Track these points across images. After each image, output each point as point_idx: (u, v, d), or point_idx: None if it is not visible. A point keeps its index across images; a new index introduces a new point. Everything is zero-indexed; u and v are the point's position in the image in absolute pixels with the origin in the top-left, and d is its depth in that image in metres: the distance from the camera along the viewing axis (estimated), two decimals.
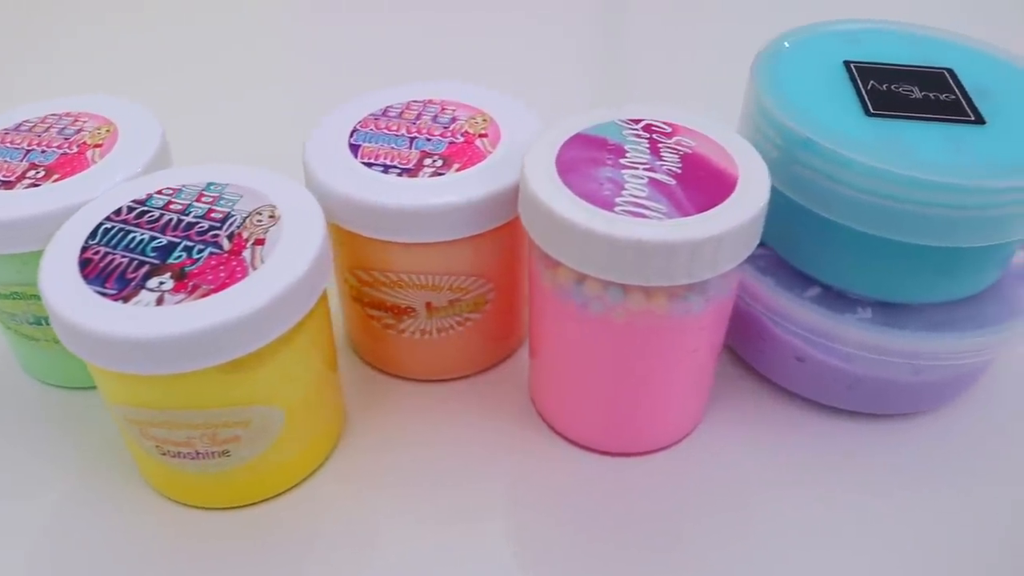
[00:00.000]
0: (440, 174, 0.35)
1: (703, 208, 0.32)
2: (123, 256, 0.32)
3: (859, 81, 0.38)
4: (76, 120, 0.39)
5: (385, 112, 0.38)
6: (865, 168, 0.34)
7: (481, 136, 0.37)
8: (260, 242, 0.32)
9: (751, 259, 0.39)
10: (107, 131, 0.39)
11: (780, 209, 0.37)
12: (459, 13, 0.75)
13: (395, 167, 0.35)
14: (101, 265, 0.31)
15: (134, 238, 0.33)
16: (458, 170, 0.35)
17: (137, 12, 0.76)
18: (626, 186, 0.32)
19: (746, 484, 0.37)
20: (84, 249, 0.32)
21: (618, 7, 0.77)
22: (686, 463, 0.38)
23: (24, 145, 0.38)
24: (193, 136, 0.47)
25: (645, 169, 0.33)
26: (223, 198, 0.34)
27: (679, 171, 0.33)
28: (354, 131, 0.37)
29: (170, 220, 0.34)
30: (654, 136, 0.35)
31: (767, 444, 0.38)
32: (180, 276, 0.31)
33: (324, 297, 0.35)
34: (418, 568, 0.34)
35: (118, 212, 0.34)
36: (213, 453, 0.33)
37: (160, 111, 0.41)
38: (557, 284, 0.34)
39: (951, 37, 0.41)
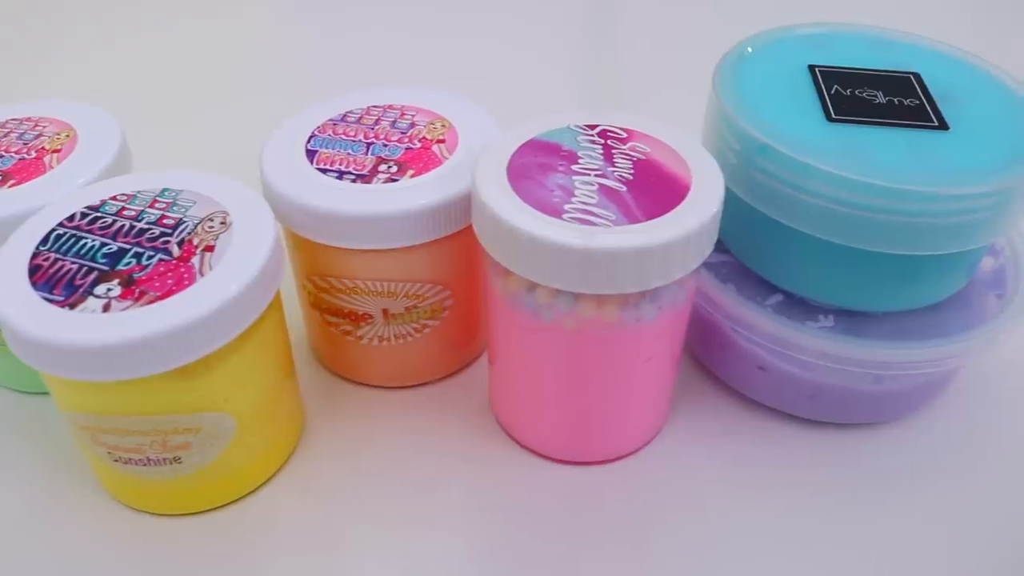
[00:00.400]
0: (394, 180, 0.36)
1: (652, 215, 0.32)
2: (73, 262, 0.33)
3: (823, 86, 0.38)
4: (36, 125, 0.40)
5: (344, 117, 0.39)
6: (823, 175, 0.34)
7: (438, 142, 0.38)
8: (210, 249, 0.33)
9: (712, 266, 0.40)
10: (66, 136, 0.40)
11: (741, 216, 0.38)
12: (431, 17, 0.75)
13: (350, 173, 0.36)
14: (51, 271, 0.32)
15: (85, 244, 0.34)
16: (412, 176, 0.36)
17: (104, 19, 0.77)
18: (576, 193, 0.33)
19: (706, 494, 0.37)
20: (35, 255, 0.33)
21: (593, 12, 0.77)
22: (646, 472, 0.38)
23: None
24: (156, 142, 0.48)
25: (597, 175, 0.34)
26: (176, 204, 0.35)
27: (631, 177, 0.34)
28: (312, 136, 0.38)
29: (122, 226, 0.34)
30: (609, 142, 0.35)
31: (728, 453, 0.39)
32: (128, 283, 0.32)
33: (278, 303, 0.36)
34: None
35: (71, 218, 0.35)
36: (164, 460, 0.34)
37: (125, 117, 0.42)
38: (509, 291, 0.34)
39: (920, 41, 0.41)
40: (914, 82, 0.39)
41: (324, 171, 0.36)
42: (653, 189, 0.33)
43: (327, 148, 0.37)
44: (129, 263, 0.33)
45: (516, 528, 0.36)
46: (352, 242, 0.35)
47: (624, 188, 0.33)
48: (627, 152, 0.35)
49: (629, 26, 0.76)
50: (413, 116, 0.39)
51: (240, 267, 0.33)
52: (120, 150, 0.39)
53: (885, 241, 0.35)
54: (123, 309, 0.31)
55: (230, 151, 0.44)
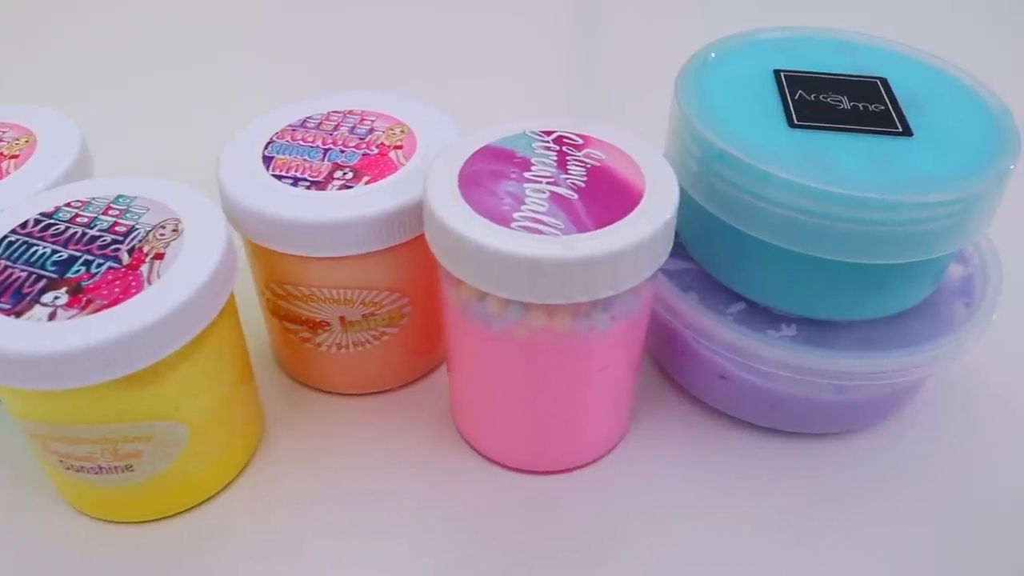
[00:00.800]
0: (349, 187, 0.36)
1: (602, 224, 0.33)
2: (22, 270, 0.34)
3: (787, 91, 0.38)
4: None
5: (304, 123, 0.40)
6: (782, 182, 0.34)
7: (396, 148, 0.38)
8: (159, 256, 0.34)
9: (674, 274, 0.40)
10: (26, 142, 0.40)
11: (703, 224, 0.38)
12: (400, 21, 0.76)
13: (305, 180, 0.37)
14: (0, 279, 0.33)
15: (36, 251, 0.34)
16: (367, 183, 0.36)
17: (69, 24, 0.77)
18: (526, 201, 0.34)
19: (667, 503, 0.38)
20: None
21: (569, 16, 0.77)
22: (606, 481, 0.39)
23: None
24: (120, 147, 0.48)
25: (548, 183, 0.34)
26: (129, 211, 0.36)
27: (583, 185, 0.34)
28: (270, 143, 0.39)
29: (74, 233, 0.35)
30: (564, 148, 0.36)
31: (690, 462, 0.39)
32: (75, 291, 0.33)
33: (232, 310, 0.36)
34: None
35: (24, 225, 0.36)
36: (116, 468, 0.35)
37: (88, 122, 0.43)
38: (461, 300, 0.35)
39: (890, 46, 0.42)
40: (880, 87, 0.39)
41: (279, 178, 0.37)
42: (605, 197, 0.34)
43: (284, 154, 0.38)
44: (78, 271, 0.33)
45: (475, 537, 0.36)
46: (306, 249, 0.36)
47: (575, 196, 0.34)
48: (581, 159, 0.35)
49: (604, 30, 0.76)
50: (373, 122, 0.40)
51: (188, 275, 0.33)
52: (79, 156, 0.40)
53: (846, 250, 0.35)
54: (69, 318, 0.32)
55: (194, 156, 0.45)
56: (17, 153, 0.40)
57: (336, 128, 0.39)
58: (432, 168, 0.35)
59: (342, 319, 0.39)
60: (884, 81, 0.39)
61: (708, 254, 0.40)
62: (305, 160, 0.37)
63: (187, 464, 0.36)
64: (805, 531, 0.37)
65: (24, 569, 0.36)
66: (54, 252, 0.34)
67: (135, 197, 0.37)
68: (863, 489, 0.38)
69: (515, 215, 0.33)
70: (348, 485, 0.39)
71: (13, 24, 0.77)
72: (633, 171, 0.35)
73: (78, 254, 0.34)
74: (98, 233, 0.35)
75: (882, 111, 0.37)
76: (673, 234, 0.34)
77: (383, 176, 0.37)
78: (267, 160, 0.38)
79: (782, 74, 0.39)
